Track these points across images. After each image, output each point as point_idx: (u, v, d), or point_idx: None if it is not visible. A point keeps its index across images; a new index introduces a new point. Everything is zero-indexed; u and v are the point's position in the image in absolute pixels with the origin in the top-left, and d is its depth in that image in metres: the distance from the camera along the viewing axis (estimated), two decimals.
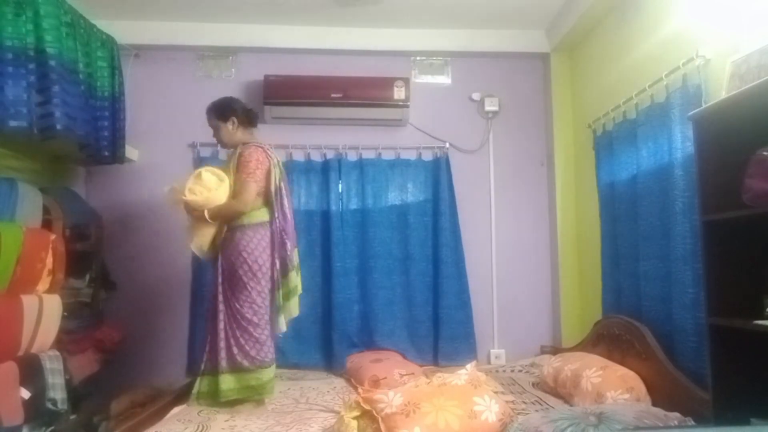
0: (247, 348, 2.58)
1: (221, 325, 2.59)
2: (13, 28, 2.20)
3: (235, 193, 2.61)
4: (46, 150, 2.84)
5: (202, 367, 2.64)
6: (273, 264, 2.64)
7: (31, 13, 2.27)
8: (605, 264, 3.10)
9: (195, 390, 2.62)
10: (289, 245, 2.65)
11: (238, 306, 2.59)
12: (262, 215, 2.65)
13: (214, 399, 2.57)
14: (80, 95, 2.54)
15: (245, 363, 2.57)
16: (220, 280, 2.64)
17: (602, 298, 3.12)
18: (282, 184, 2.72)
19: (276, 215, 2.65)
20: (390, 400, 2.02)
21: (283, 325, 2.70)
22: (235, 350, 2.58)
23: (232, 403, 2.58)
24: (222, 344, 2.58)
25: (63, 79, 2.37)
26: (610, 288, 3.05)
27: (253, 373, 2.58)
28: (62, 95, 2.34)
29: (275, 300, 2.65)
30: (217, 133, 2.79)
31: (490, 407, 2.06)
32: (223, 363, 2.57)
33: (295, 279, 2.71)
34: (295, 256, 2.71)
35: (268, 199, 2.68)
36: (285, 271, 2.67)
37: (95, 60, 2.87)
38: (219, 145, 2.92)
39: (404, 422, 1.93)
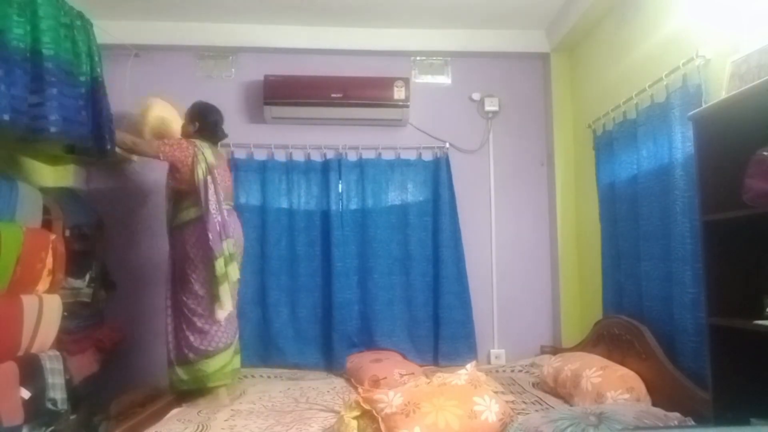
0: (191, 339, 2.74)
1: (169, 320, 2.83)
2: (16, 29, 2.20)
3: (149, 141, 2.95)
4: (42, 150, 2.83)
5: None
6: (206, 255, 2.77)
7: (29, 14, 2.27)
8: (605, 264, 3.10)
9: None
10: (210, 236, 2.70)
11: (184, 298, 2.78)
12: (192, 213, 2.82)
13: (172, 390, 2.78)
14: (77, 97, 2.53)
15: (190, 355, 2.74)
16: (170, 277, 2.87)
17: (602, 297, 3.12)
18: (208, 178, 2.78)
19: (204, 210, 2.75)
20: (390, 400, 2.03)
21: (218, 314, 2.74)
22: (182, 343, 2.77)
23: (195, 394, 2.76)
24: (170, 338, 2.81)
25: (59, 81, 2.36)
26: (610, 288, 3.05)
27: (198, 364, 2.73)
28: (58, 97, 2.33)
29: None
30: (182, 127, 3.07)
31: (490, 407, 2.06)
32: (172, 356, 2.79)
33: (222, 268, 2.72)
34: (224, 246, 2.74)
35: (195, 196, 2.80)
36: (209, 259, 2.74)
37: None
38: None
39: (404, 422, 1.93)
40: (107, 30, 3.09)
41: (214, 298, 2.73)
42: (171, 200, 2.91)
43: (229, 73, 3.80)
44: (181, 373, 2.76)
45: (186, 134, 3.03)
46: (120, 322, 3.36)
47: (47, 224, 2.58)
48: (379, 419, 1.99)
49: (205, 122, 3.04)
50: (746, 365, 1.78)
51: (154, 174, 3.64)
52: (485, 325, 3.72)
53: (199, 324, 2.74)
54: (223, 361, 2.77)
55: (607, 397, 2.32)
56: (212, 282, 2.72)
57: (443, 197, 3.66)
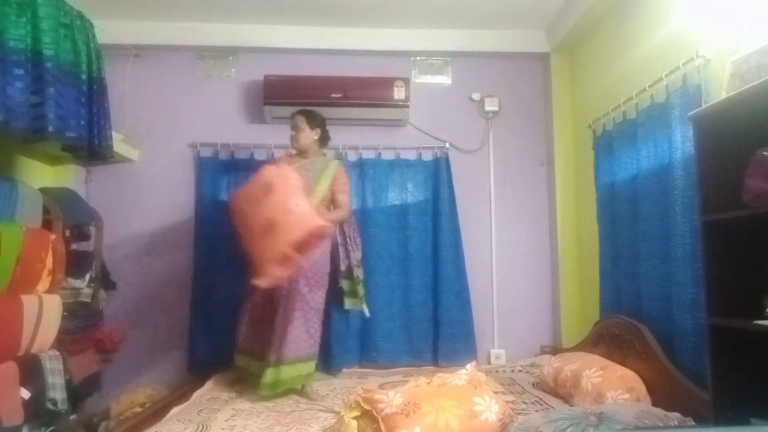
0: (313, 341, 2.85)
1: (294, 318, 2.78)
2: (14, 29, 2.20)
3: (342, 204, 3.00)
4: (41, 150, 2.83)
5: (272, 358, 2.73)
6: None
7: (29, 15, 2.27)
8: (604, 264, 3.10)
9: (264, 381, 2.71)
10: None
11: (316, 301, 2.88)
12: None
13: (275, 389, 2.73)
14: (77, 97, 2.53)
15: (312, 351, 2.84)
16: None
17: (600, 298, 3.12)
18: None
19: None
20: (390, 400, 2.02)
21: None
22: (309, 342, 2.83)
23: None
24: (291, 336, 2.75)
25: (59, 81, 2.36)
26: (608, 288, 3.05)
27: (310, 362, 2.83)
28: (56, 97, 2.33)
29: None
30: (299, 134, 3.01)
31: (490, 407, 2.05)
32: (290, 354, 2.75)
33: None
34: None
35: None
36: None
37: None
38: (293, 143, 3.07)
39: (404, 422, 1.93)
40: (107, 30, 3.10)
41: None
42: None
43: (229, 73, 3.80)
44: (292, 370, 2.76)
45: (308, 144, 3.03)
46: (120, 322, 3.36)
47: (47, 224, 2.58)
48: (379, 419, 1.98)
49: (324, 131, 3.11)
50: (746, 365, 1.78)
51: (154, 174, 3.65)
52: (485, 325, 3.72)
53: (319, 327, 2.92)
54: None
55: (607, 397, 2.31)
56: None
57: (443, 197, 3.66)
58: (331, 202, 3.01)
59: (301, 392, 2.85)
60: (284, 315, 2.80)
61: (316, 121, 3.05)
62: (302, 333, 2.80)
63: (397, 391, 2.08)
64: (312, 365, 2.85)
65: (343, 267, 3.22)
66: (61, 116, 2.36)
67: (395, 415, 1.96)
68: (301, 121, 3.01)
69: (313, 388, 2.88)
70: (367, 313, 3.29)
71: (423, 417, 1.95)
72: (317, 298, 2.90)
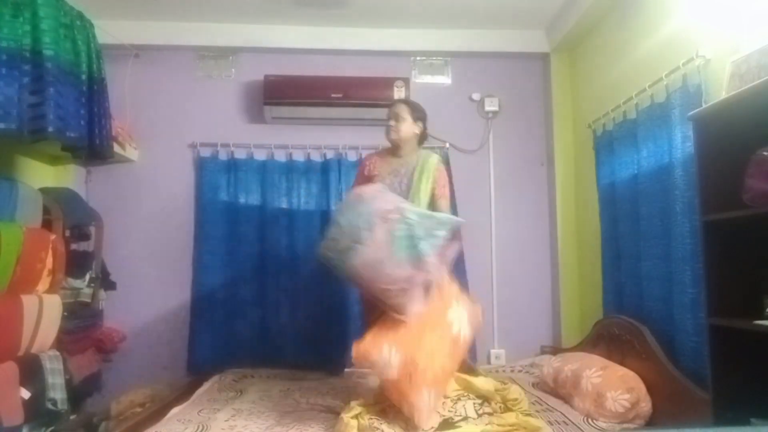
0: None
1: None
2: (9, 29, 2.19)
3: (443, 208, 2.50)
4: (41, 150, 2.83)
5: None
6: None
7: (29, 15, 2.27)
8: (605, 264, 3.10)
9: None
10: None
11: None
12: None
13: None
14: (77, 97, 2.53)
15: None
16: None
17: (603, 297, 3.11)
18: None
19: None
20: (388, 358, 1.98)
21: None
22: None
23: None
24: None
25: (58, 81, 2.36)
26: (610, 288, 3.05)
27: None
28: (56, 97, 2.33)
29: None
30: (399, 124, 2.56)
31: (460, 319, 2.16)
32: None
33: None
34: None
35: None
36: None
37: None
38: (391, 134, 2.59)
39: (411, 388, 1.98)
40: (107, 30, 3.10)
41: None
42: None
43: (229, 73, 3.80)
44: None
45: (408, 136, 2.57)
46: (120, 322, 3.36)
47: (47, 224, 2.58)
48: (389, 387, 2.04)
49: (425, 128, 2.65)
50: (746, 365, 1.78)
51: (154, 174, 3.65)
52: (485, 325, 3.69)
53: None
54: None
55: (607, 397, 2.32)
56: None
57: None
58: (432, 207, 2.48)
59: None
60: None
61: (420, 114, 2.61)
62: None
63: (390, 345, 2.02)
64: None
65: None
66: (61, 116, 2.36)
67: (400, 383, 1.99)
68: (404, 110, 2.57)
69: None
70: None
71: (424, 375, 1.98)
72: None
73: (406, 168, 2.55)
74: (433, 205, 2.47)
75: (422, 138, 2.66)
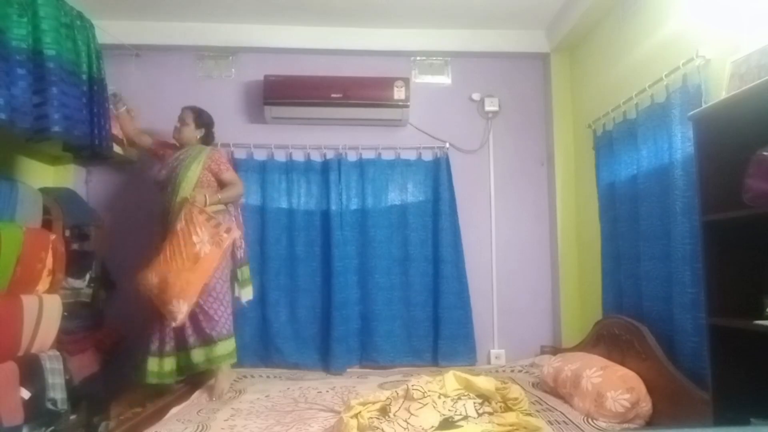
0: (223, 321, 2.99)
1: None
2: (16, 29, 2.20)
3: (232, 181, 3.09)
4: (42, 150, 2.83)
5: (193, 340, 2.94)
6: None
7: (30, 14, 2.27)
8: (605, 264, 3.10)
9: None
10: None
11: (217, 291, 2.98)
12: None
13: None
14: (78, 97, 2.53)
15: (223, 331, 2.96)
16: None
17: (602, 298, 3.12)
18: None
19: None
20: (151, 281, 2.71)
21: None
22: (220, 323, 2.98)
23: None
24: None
25: (61, 81, 2.36)
26: (610, 288, 3.05)
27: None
28: (60, 97, 2.33)
29: None
30: (183, 128, 3.17)
31: (203, 241, 2.71)
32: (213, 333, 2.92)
33: None
34: None
35: None
36: None
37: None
38: (175, 137, 3.21)
39: (166, 299, 2.69)
40: (107, 30, 3.10)
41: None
42: None
43: (229, 73, 3.80)
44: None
45: (190, 139, 3.18)
46: (120, 322, 3.35)
47: (47, 224, 2.58)
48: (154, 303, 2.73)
49: (210, 131, 3.28)
50: (746, 365, 1.78)
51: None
52: (485, 325, 3.72)
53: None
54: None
55: (607, 397, 2.32)
56: None
57: (443, 197, 3.66)
58: (219, 185, 3.04)
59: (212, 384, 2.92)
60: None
61: (205, 120, 3.23)
62: (211, 316, 2.88)
63: (151, 271, 2.76)
64: (229, 344, 2.93)
65: (240, 254, 3.16)
66: (66, 116, 2.36)
67: (158, 297, 2.75)
68: (187, 115, 3.18)
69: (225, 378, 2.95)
70: (249, 299, 3.25)
71: (173, 289, 2.68)
72: (218, 287, 2.92)
73: (185, 156, 3.08)
74: (218, 180, 3.05)
75: (207, 138, 3.25)
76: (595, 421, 2.33)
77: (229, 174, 3.08)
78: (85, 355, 2.95)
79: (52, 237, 2.52)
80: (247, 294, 3.22)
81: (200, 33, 3.65)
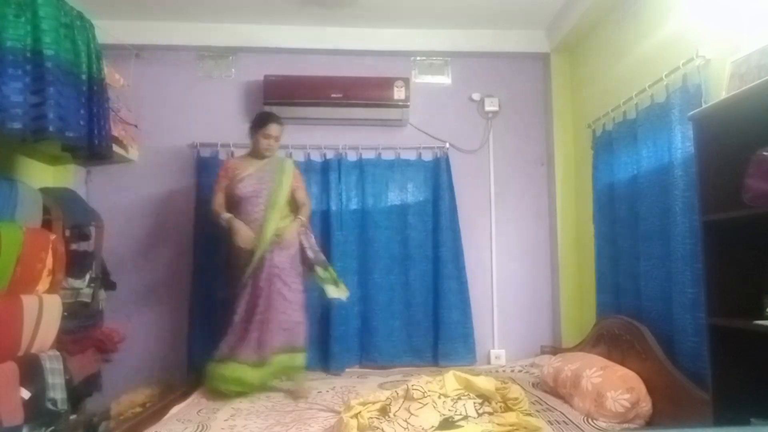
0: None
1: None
2: (13, 29, 2.20)
3: (306, 201, 3.12)
4: (41, 150, 2.83)
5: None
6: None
7: (29, 14, 2.27)
8: (600, 264, 3.11)
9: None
10: None
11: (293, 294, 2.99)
12: None
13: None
14: (77, 97, 2.53)
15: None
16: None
17: (596, 298, 3.12)
18: None
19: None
20: None
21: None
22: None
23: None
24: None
25: (59, 81, 2.36)
26: (605, 288, 3.05)
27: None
28: (57, 97, 2.33)
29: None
30: (277, 142, 3.12)
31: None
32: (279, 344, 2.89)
33: None
34: None
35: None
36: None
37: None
38: (270, 153, 3.09)
39: None
40: (107, 30, 3.09)
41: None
42: None
43: (229, 73, 3.80)
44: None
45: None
46: (120, 322, 3.36)
47: (47, 224, 2.58)
48: None
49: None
50: (746, 365, 1.78)
51: (154, 174, 3.65)
52: (485, 325, 3.72)
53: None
54: None
55: (607, 397, 2.32)
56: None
57: (443, 197, 3.66)
58: (293, 201, 3.07)
59: (292, 390, 2.89)
60: (265, 315, 2.86)
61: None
62: (285, 324, 2.89)
63: None
64: (300, 357, 2.92)
65: (311, 254, 3.08)
66: (61, 116, 2.36)
67: None
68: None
69: (304, 384, 2.94)
70: (346, 296, 3.12)
71: None
72: (294, 288, 2.96)
73: (269, 169, 3.05)
74: (293, 196, 3.07)
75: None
76: (595, 421, 2.33)
77: (301, 192, 3.11)
78: (85, 355, 2.95)
79: (52, 237, 2.52)
80: (333, 292, 3.09)
81: (200, 33, 3.65)
